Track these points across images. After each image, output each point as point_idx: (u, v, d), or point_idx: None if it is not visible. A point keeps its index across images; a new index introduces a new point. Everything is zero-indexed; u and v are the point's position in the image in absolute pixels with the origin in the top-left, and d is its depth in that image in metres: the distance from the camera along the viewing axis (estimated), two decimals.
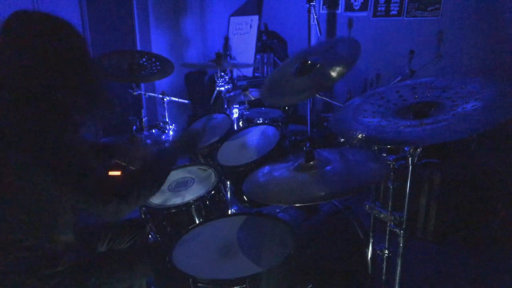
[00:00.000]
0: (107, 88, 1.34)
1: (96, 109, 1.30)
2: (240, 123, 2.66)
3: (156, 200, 1.89)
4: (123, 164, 1.73)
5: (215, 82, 2.89)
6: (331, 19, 4.31)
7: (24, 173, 1.14)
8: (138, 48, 4.30)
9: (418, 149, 1.30)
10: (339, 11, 4.22)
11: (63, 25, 1.21)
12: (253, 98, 2.75)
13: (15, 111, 1.13)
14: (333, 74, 1.70)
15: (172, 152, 1.59)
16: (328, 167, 1.46)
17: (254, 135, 2.22)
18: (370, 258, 1.76)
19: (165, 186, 1.99)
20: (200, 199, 1.82)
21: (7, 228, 1.22)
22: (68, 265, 1.32)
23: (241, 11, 4.84)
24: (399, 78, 3.22)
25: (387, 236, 1.58)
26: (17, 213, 1.21)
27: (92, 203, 1.19)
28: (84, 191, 1.17)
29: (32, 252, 1.25)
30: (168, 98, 2.94)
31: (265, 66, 4.49)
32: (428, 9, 3.37)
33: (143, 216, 1.94)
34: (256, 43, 4.53)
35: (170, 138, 2.80)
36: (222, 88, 2.86)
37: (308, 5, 3.49)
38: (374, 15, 3.85)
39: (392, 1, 3.65)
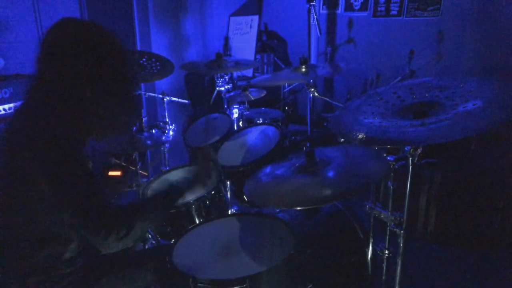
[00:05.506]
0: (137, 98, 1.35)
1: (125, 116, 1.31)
2: (240, 123, 2.65)
3: None
4: (123, 164, 1.72)
5: (215, 82, 2.89)
6: (331, 19, 4.31)
7: (34, 181, 1.13)
8: (138, 48, 4.29)
9: (418, 149, 1.30)
10: (339, 11, 4.22)
11: (107, 35, 1.22)
12: (253, 98, 2.75)
13: (48, 117, 1.15)
14: None
15: (183, 190, 1.46)
16: (328, 167, 1.46)
17: (254, 135, 2.22)
18: (370, 258, 1.76)
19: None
20: (200, 199, 1.82)
21: (15, 239, 1.23)
22: (76, 267, 1.32)
23: (241, 11, 4.84)
24: (399, 78, 3.22)
25: (387, 236, 1.58)
26: (23, 222, 1.21)
27: (92, 230, 1.14)
28: (86, 216, 1.13)
29: (41, 257, 1.25)
30: (168, 98, 2.93)
31: (265, 66, 4.48)
32: (428, 9, 3.37)
33: None
34: (256, 43, 4.52)
35: (170, 138, 2.79)
36: (222, 88, 2.86)
37: (308, 5, 3.48)
38: (374, 15, 3.85)
39: (392, 1, 3.65)
